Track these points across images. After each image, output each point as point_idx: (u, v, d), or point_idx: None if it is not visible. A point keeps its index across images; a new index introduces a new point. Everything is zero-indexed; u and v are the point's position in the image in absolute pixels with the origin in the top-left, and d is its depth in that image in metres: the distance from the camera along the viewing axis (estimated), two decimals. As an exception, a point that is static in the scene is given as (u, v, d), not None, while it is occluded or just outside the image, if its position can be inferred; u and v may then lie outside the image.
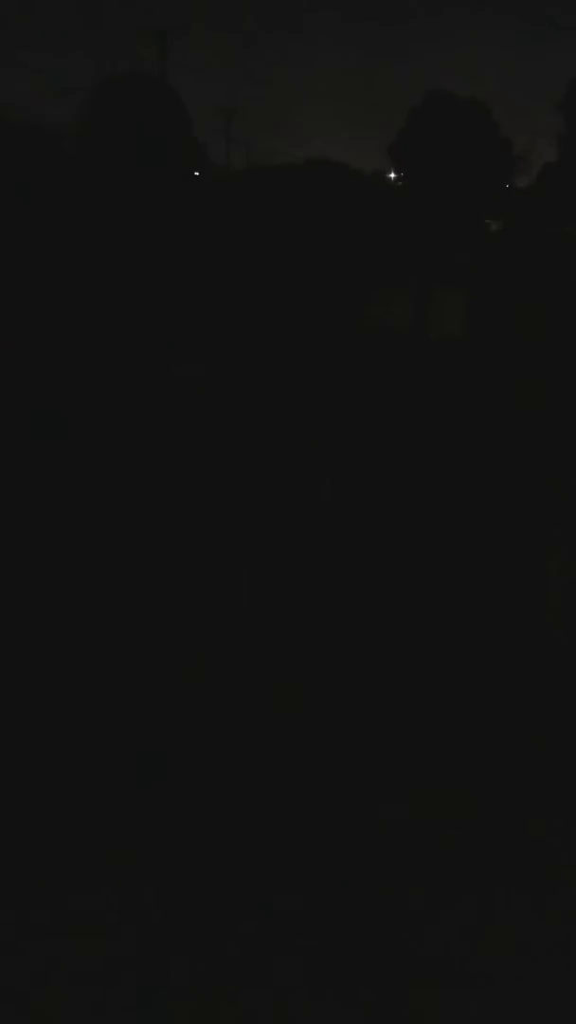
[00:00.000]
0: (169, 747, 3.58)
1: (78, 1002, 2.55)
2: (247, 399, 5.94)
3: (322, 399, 6.38)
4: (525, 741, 3.67)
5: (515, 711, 3.83)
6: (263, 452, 5.63)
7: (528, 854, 3.11)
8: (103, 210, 5.67)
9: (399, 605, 4.53)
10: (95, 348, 5.66)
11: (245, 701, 3.85)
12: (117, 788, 3.36)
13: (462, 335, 9.12)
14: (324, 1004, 2.56)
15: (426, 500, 5.41)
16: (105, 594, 4.45)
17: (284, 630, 4.35)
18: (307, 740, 3.64)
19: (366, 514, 5.28)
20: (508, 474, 5.71)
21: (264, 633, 4.33)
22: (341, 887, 2.95)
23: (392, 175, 23.74)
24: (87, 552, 4.70)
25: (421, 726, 3.73)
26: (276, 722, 3.73)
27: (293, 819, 3.23)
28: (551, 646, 4.35)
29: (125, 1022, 2.51)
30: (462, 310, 9.59)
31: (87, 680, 3.91)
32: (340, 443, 5.94)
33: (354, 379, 6.96)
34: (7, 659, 4.03)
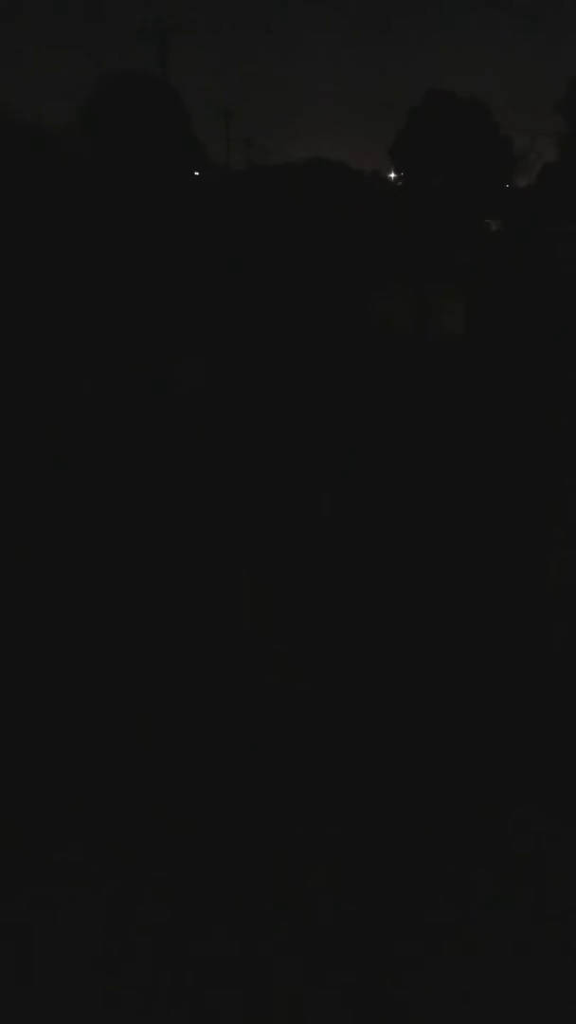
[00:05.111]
0: (168, 743, 3.58)
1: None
2: (247, 401, 5.95)
3: (323, 400, 6.38)
4: (523, 737, 3.67)
5: (513, 708, 3.83)
6: (264, 454, 5.63)
7: (520, 853, 3.12)
8: (103, 210, 5.67)
9: (400, 606, 4.54)
10: (95, 348, 5.67)
11: (244, 703, 3.86)
12: (116, 784, 3.37)
13: (462, 335, 9.13)
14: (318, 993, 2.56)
15: (428, 499, 5.41)
16: (103, 600, 4.45)
17: (284, 633, 4.35)
18: (304, 737, 3.65)
19: (367, 511, 5.29)
20: (509, 473, 5.72)
21: (264, 638, 4.34)
22: (337, 880, 2.96)
23: (392, 175, 23.76)
24: (85, 558, 4.70)
25: (419, 723, 3.73)
26: (274, 724, 3.74)
27: (289, 815, 3.24)
28: (551, 645, 4.36)
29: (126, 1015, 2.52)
30: (462, 310, 9.59)
31: (87, 682, 3.92)
32: (341, 441, 5.94)
33: (355, 379, 6.96)
34: (9, 658, 4.04)
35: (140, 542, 4.83)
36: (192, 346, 5.98)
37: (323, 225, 11.00)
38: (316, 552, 4.96)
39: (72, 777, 3.41)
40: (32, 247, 6.53)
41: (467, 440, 6.17)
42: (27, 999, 2.54)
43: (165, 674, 4.01)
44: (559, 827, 3.22)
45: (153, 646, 4.19)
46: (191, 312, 6.14)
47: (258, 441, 5.73)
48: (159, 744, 3.61)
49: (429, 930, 2.78)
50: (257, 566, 4.78)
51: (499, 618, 4.48)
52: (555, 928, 2.78)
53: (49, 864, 3.00)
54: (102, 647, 4.16)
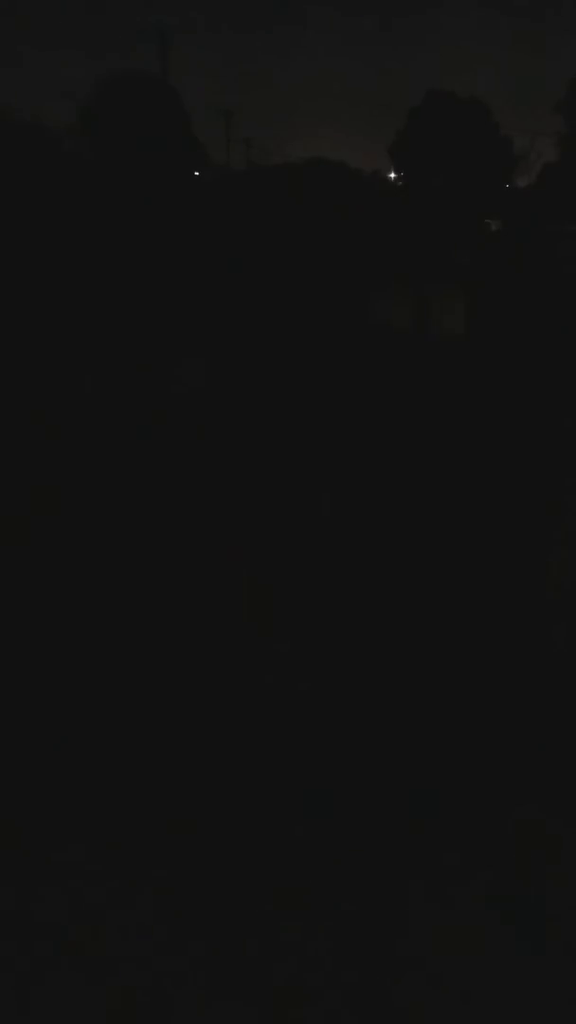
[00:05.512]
0: (168, 743, 3.58)
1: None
2: (247, 401, 5.95)
3: (323, 400, 6.38)
4: (523, 738, 3.67)
5: (513, 709, 3.83)
6: (264, 454, 5.62)
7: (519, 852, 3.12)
8: (104, 209, 5.67)
9: (400, 606, 4.53)
10: (95, 347, 5.66)
11: (246, 705, 3.86)
12: (116, 784, 3.37)
13: (462, 335, 9.12)
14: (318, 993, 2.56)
15: (428, 499, 5.41)
16: (103, 600, 4.45)
17: (284, 633, 4.35)
18: (304, 737, 3.65)
19: (367, 511, 5.28)
20: (509, 473, 5.72)
21: (264, 638, 4.33)
22: (337, 877, 2.95)
23: (392, 175, 23.71)
24: (85, 558, 4.70)
25: (419, 723, 3.73)
26: (274, 723, 3.74)
27: (289, 815, 3.24)
28: (551, 645, 4.35)
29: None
30: (462, 310, 9.59)
31: (87, 683, 3.92)
32: (341, 441, 5.94)
33: (355, 379, 6.96)
34: (13, 656, 4.04)
35: (141, 542, 4.83)
36: (192, 346, 5.97)
37: (323, 225, 10.99)
38: (316, 552, 4.96)
39: (72, 777, 3.41)
40: (32, 247, 6.53)
41: (467, 440, 6.17)
42: (28, 998, 2.54)
43: (165, 674, 4.01)
44: (559, 827, 3.22)
45: (153, 646, 4.18)
46: (191, 312, 6.13)
47: (258, 441, 5.73)
48: (159, 744, 3.60)
49: (429, 930, 2.78)
50: (257, 566, 4.78)
51: (500, 618, 4.47)
52: (555, 928, 2.78)
53: (49, 864, 3.00)
54: (102, 647, 4.16)
